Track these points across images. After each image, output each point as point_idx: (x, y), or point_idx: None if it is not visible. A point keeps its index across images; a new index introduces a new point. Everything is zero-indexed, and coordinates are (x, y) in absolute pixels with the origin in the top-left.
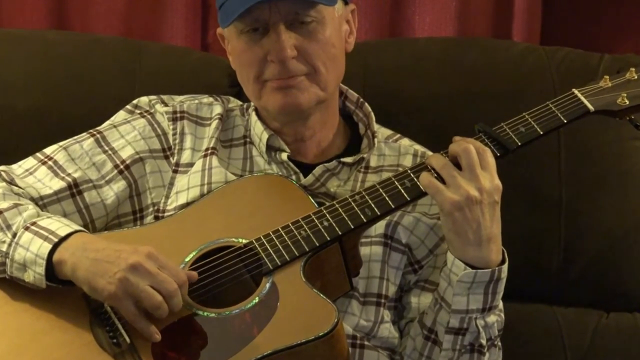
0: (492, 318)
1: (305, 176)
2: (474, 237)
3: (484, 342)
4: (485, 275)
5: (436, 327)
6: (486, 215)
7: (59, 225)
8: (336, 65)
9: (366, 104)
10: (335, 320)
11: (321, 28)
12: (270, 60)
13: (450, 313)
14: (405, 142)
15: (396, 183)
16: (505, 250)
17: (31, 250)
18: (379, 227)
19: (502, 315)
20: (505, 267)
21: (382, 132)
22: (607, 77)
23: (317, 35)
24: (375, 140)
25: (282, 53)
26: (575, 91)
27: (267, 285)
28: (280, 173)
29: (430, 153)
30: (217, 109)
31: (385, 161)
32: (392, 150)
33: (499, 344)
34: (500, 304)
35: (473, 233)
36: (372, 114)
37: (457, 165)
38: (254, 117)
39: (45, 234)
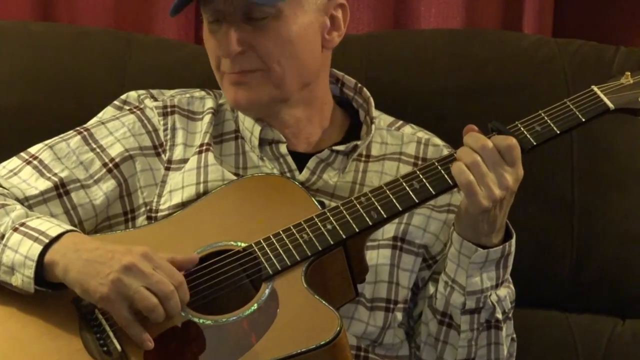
0: (503, 291)
1: (300, 169)
2: (489, 229)
3: (499, 316)
4: (497, 252)
5: (450, 310)
6: (504, 209)
7: (50, 226)
8: (297, 62)
9: (365, 89)
10: (338, 328)
11: (276, 24)
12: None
13: (466, 295)
14: (408, 129)
15: (404, 184)
16: (509, 223)
17: (20, 252)
18: (388, 231)
19: (512, 287)
20: (513, 241)
21: (383, 119)
22: (629, 73)
23: (268, 32)
24: (373, 126)
25: (227, 48)
26: (595, 88)
27: (267, 291)
28: (275, 169)
29: (436, 140)
30: (209, 103)
31: (387, 150)
32: (394, 138)
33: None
34: (509, 276)
35: (489, 226)
36: (372, 99)
37: None
38: None
39: (35, 234)
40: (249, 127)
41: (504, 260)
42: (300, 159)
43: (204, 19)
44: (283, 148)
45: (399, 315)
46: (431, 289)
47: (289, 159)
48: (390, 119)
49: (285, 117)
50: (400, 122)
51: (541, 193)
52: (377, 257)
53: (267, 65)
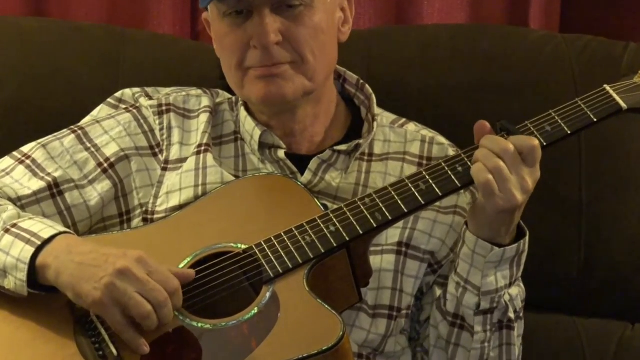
0: (514, 290)
1: (301, 171)
2: (505, 231)
3: (512, 315)
4: (512, 251)
5: (462, 312)
6: (521, 210)
7: (42, 227)
8: (326, 53)
9: (367, 85)
10: (341, 333)
11: (309, 12)
12: (253, 46)
13: (480, 295)
14: (412, 127)
15: (409, 185)
16: (521, 221)
17: (12, 254)
18: (392, 236)
19: (522, 285)
20: (527, 238)
21: (386, 116)
22: None
23: (304, 20)
24: (375, 124)
25: (265, 38)
26: (607, 87)
27: (267, 294)
28: (275, 172)
29: (440, 138)
30: (205, 101)
31: (390, 148)
32: (397, 136)
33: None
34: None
35: (506, 228)
36: (374, 96)
37: None
38: (243, 112)
39: (28, 236)
40: (249, 130)
41: (518, 258)
42: (302, 161)
43: (216, 14)
44: (281, 153)
45: (402, 323)
46: (437, 291)
47: (288, 162)
48: (392, 116)
49: (300, 113)
50: (403, 120)
51: (548, 194)
52: (380, 262)
53: (301, 55)
